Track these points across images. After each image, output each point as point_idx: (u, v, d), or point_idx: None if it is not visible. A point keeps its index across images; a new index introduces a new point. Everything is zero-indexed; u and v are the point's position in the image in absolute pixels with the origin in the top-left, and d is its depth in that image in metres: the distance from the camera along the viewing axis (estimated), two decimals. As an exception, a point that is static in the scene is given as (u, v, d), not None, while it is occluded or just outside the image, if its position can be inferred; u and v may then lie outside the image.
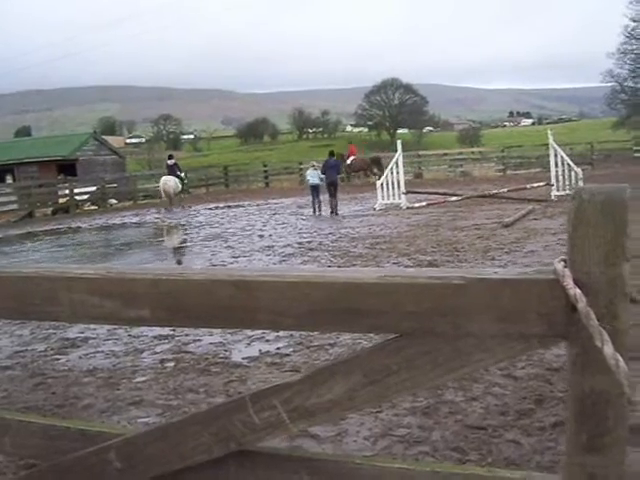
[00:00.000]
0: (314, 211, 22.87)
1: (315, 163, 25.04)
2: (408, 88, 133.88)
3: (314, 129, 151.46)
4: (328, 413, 1.73)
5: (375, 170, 35.82)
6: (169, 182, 29.08)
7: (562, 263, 1.49)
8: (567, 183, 21.45)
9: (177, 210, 28.71)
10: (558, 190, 21.17)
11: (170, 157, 32.58)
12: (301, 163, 43.26)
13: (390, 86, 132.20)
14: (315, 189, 23.26)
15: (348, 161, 36.85)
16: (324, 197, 23.15)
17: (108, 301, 1.85)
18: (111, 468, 2.01)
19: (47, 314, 2.01)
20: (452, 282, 1.54)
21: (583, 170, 22.29)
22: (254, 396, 1.79)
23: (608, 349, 1.37)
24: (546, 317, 1.49)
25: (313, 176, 23.59)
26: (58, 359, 7.34)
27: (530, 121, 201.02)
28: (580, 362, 1.49)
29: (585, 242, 1.47)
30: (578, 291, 1.43)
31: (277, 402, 1.74)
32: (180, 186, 30.01)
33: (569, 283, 1.44)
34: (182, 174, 31.05)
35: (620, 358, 1.37)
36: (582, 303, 1.41)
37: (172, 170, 30.25)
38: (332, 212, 22.30)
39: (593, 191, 1.48)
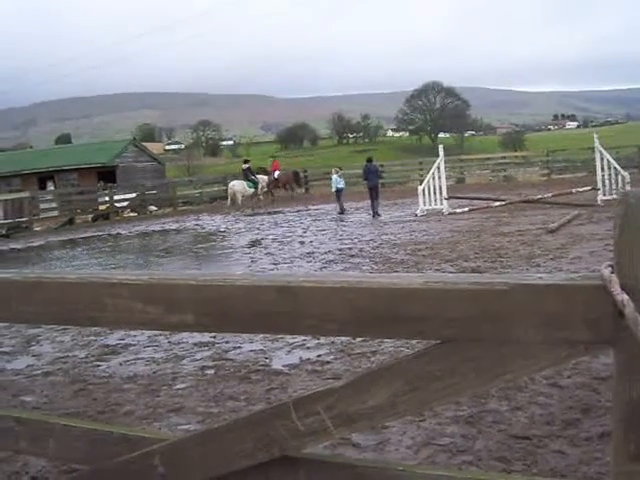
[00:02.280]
0: (341, 211, 25.60)
1: (337, 169, 28.11)
2: (450, 91, 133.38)
3: (354, 134, 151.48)
4: (371, 419, 1.72)
5: (294, 185, 37.32)
6: (235, 186, 30.65)
7: (609, 269, 1.47)
8: (614, 187, 21.13)
9: (244, 212, 29.59)
10: (604, 194, 20.85)
11: (245, 162, 33.81)
12: (341, 168, 43.22)
13: (431, 90, 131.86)
14: (339, 192, 26.20)
15: (275, 175, 36.41)
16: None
17: (151, 307, 1.86)
18: (155, 473, 2.02)
19: (90, 320, 2.03)
20: (495, 287, 1.53)
21: (630, 174, 21.90)
22: (297, 402, 1.79)
23: (657, 356, 1.35)
24: (592, 323, 1.47)
25: (338, 182, 26.49)
26: (99, 365, 7.41)
27: (575, 124, 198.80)
28: (627, 369, 1.46)
29: (632, 247, 1.45)
30: (625, 297, 1.41)
31: (320, 408, 1.73)
32: (249, 189, 31.01)
33: (616, 289, 1.42)
34: (254, 177, 32.00)
35: (670, 365, 1.34)
36: (630, 309, 1.39)
37: (245, 174, 31.71)
38: (374, 215, 23.23)
39: (640, 195, 1.46)
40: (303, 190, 39.67)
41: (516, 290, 1.51)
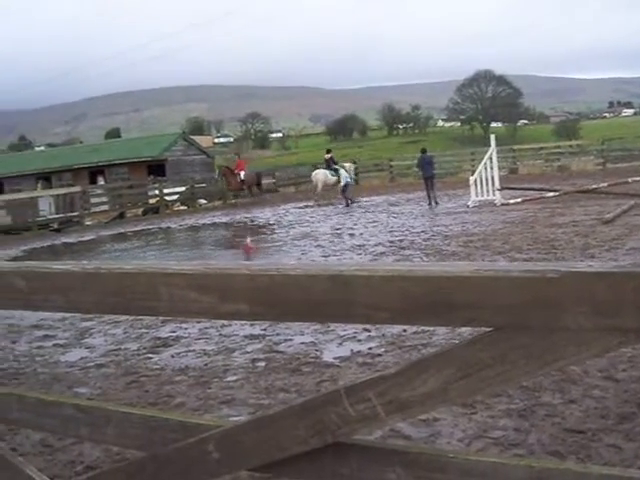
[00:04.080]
0: (347, 204, 27.02)
1: (343, 163, 30.00)
2: (501, 80, 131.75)
3: (404, 125, 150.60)
4: (422, 406, 1.74)
5: (255, 188, 36.06)
6: (317, 174, 31.77)
7: (660, 256, 1.47)
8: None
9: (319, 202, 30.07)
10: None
11: (328, 151, 34.08)
12: (391, 160, 42.99)
13: (483, 78, 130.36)
14: (346, 187, 27.68)
15: (242, 176, 34.83)
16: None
17: (206, 296, 1.90)
18: (210, 458, 2.06)
19: (147, 309, 2.08)
20: (546, 275, 1.53)
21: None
22: (349, 389, 1.82)
23: None
24: (643, 310, 1.47)
25: (346, 177, 28.14)
26: (150, 358, 7.55)
27: (632, 111, 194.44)
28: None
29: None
30: (677, 283, 1.41)
31: (372, 395, 1.75)
32: (331, 178, 31.40)
33: (667, 276, 1.42)
34: (337, 167, 32.07)
35: None
36: (680, 296, 1.39)
37: (327, 164, 32.32)
38: (430, 204, 23.99)
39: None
40: (267, 195, 37.89)
41: (566, 277, 1.52)
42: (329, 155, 32.96)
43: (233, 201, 35.27)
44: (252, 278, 1.84)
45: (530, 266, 1.60)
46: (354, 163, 29.29)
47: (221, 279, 1.90)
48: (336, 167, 31.80)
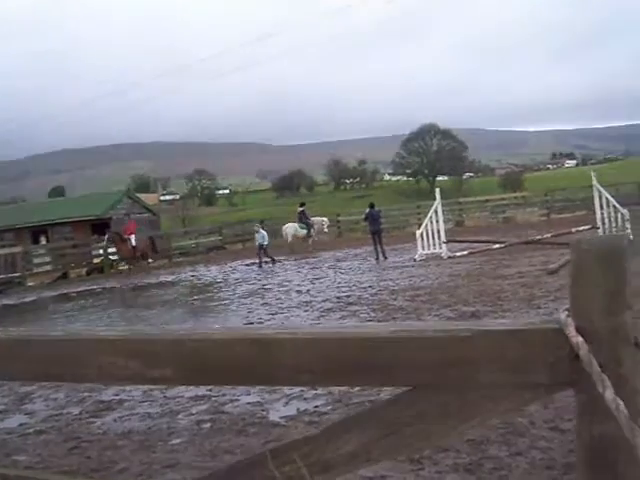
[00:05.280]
0: (259, 265, 26.89)
1: (258, 225, 30.32)
2: (446, 133, 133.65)
3: (351, 179, 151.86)
4: (346, 466, 1.76)
5: (149, 253, 33.38)
6: (288, 228, 32.61)
7: (566, 312, 1.53)
8: (614, 225, 21.18)
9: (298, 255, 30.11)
10: (605, 233, 20.82)
11: (301, 205, 34.57)
12: (339, 215, 43.21)
13: (428, 132, 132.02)
14: (260, 247, 27.67)
15: (132, 241, 31.45)
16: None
17: (132, 362, 1.91)
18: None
19: (75, 376, 2.08)
20: (459, 335, 1.58)
21: (630, 211, 21.92)
22: (274, 451, 1.83)
23: (609, 394, 1.40)
24: (552, 366, 1.53)
25: (258, 238, 28.20)
26: (93, 422, 7.39)
27: (574, 162, 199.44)
28: (587, 409, 1.52)
29: (586, 292, 1.51)
30: (580, 339, 1.46)
31: (297, 456, 1.77)
32: (301, 231, 32.30)
33: (571, 332, 1.48)
34: (308, 221, 32.85)
35: (621, 403, 1.39)
36: (584, 350, 1.45)
37: (299, 217, 32.90)
38: (377, 258, 24.09)
39: (592, 242, 1.53)
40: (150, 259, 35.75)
41: (479, 336, 1.57)
42: (302, 208, 33.42)
43: (126, 267, 32.58)
44: (176, 343, 1.86)
45: (444, 326, 1.65)
46: (261, 224, 29.80)
47: (147, 344, 1.92)
48: (307, 221, 32.56)
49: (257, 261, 27.51)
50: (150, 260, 35.16)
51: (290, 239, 32.16)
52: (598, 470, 1.52)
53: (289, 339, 1.74)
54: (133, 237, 31.51)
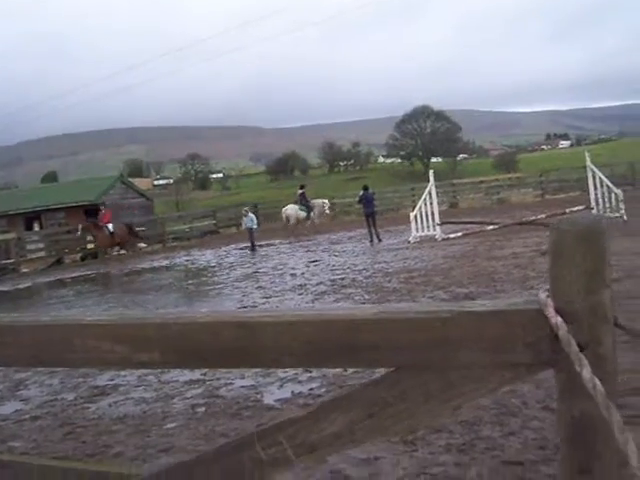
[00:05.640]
0: (252, 249, 26.79)
1: (246, 209, 30.47)
2: (440, 115, 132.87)
3: (345, 162, 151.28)
4: (331, 447, 1.78)
5: (132, 240, 32.95)
6: (288, 210, 32.72)
7: (546, 293, 1.55)
8: (607, 205, 21.21)
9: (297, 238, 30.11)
10: (599, 213, 20.85)
11: (301, 187, 34.67)
12: (333, 197, 43.15)
13: (421, 114, 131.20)
14: (250, 231, 27.66)
15: (110, 228, 30.65)
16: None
17: (119, 346, 1.92)
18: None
19: (63, 361, 2.10)
20: (441, 315, 1.60)
21: (624, 191, 21.94)
22: (261, 433, 1.85)
23: (586, 373, 1.42)
24: (532, 346, 1.54)
25: (246, 222, 28.35)
26: (88, 407, 7.40)
27: (568, 143, 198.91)
28: (567, 388, 1.54)
29: (565, 272, 1.52)
30: (559, 319, 1.48)
31: (283, 438, 1.79)
32: (301, 214, 32.44)
33: (550, 312, 1.50)
34: (308, 203, 33.02)
35: (598, 382, 1.41)
36: (562, 331, 1.47)
37: (299, 199, 33.05)
38: (372, 241, 24.11)
39: (571, 222, 1.54)
40: (143, 244, 36.24)
41: (460, 317, 1.58)
42: (301, 191, 33.56)
43: (121, 252, 32.18)
44: (163, 327, 1.87)
45: (426, 307, 1.66)
46: (247, 210, 29.82)
47: (133, 329, 1.93)
48: (307, 203, 32.69)
49: (249, 244, 27.42)
50: (142, 245, 35.06)
51: (293, 221, 32.38)
52: (579, 447, 1.54)
53: (272, 322, 1.76)
54: (110, 225, 30.80)
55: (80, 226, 31.17)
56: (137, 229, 34.15)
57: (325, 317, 1.73)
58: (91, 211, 42.52)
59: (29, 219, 45.04)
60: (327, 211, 34.28)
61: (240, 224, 40.13)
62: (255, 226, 28.25)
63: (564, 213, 21.53)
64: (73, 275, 25.89)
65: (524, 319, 1.55)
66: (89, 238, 32.26)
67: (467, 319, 1.58)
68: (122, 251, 32.08)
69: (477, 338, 1.57)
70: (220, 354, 1.82)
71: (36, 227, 43.83)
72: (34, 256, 32.72)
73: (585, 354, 1.46)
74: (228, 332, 1.79)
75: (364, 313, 1.69)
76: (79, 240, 33.26)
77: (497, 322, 1.56)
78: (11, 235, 33.69)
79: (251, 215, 28.66)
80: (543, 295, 1.54)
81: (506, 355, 1.56)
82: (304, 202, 32.97)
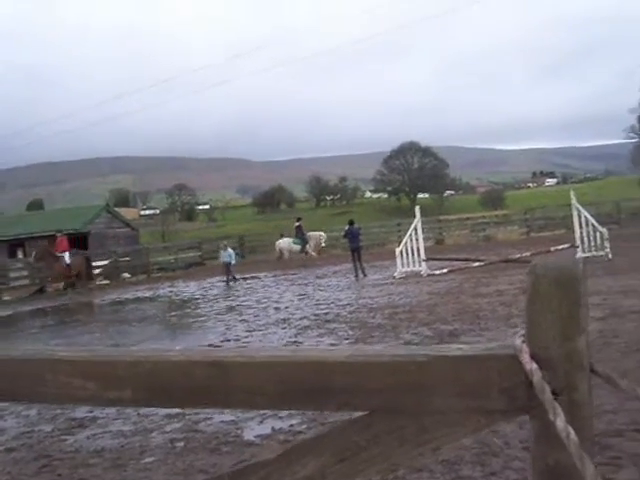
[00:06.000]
0: (227, 282, 27.13)
1: (225, 243, 30.76)
2: (427, 151, 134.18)
3: (332, 196, 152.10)
4: (302, 491, 1.74)
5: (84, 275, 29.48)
6: (281, 244, 34.17)
7: (521, 338, 1.53)
8: (593, 244, 21.32)
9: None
10: (584, 252, 20.98)
11: (298, 219, 35.18)
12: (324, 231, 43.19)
13: (409, 150, 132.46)
14: (227, 266, 27.78)
15: (67, 259, 28.15)
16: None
17: (91, 382, 1.88)
18: None
19: (35, 395, 2.05)
20: (416, 359, 1.58)
21: (609, 230, 22.08)
22: (233, 474, 1.81)
23: (560, 422, 1.40)
24: (507, 392, 1.52)
25: (224, 256, 28.38)
26: (65, 440, 7.33)
27: (554, 181, 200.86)
28: (542, 436, 1.51)
29: (541, 317, 1.51)
30: (534, 366, 1.46)
31: (254, 480, 1.75)
32: (295, 247, 33.09)
33: (525, 358, 1.48)
34: (303, 236, 33.40)
35: (572, 431, 1.38)
36: (537, 377, 1.45)
37: (296, 232, 33.60)
38: (357, 276, 24.03)
39: (547, 266, 1.53)
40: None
41: (436, 361, 1.56)
42: (298, 223, 33.98)
43: (62, 288, 30.18)
44: (135, 364, 1.84)
45: (401, 350, 1.64)
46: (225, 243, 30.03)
47: (105, 366, 1.89)
48: (302, 236, 33.08)
49: (225, 279, 27.69)
50: (127, 275, 34.67)
51: (286, 254, 33.01)
52: (553, 498, 1.51)
53: (245, 362, 1.73)
54: (67, 254, 28.54)
55: (34, 252, 29.59)
56: (93, 264, 31.94)
57: (297, 358, 1.71)
58: (76, 240, 42.37)
59: (13, 246, 44.81)
60: (323, 243, 34.33)
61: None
62: (233, 261, 28.23)
63: (549, 251, 21.66)
64: (55, 304, 25.74)
65: (500, 365, 1.53)
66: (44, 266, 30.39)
67: (443, 364, 1.56)
68: (84, 281, 29.99)
69: (453, 383, 1.55)
70: (191, 393, 1.79)
71: (20, 255, 43.56)
72: (17, 284, 32.48)
73: (560, 400, 1.44)
74: (200, 371, 1.76)
75: (337, 355, 1.67)
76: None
77: (473, 367, 1.54)
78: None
79: (230, 250, 28.74)
80: (519, 341, 1.52)
81: (481, 401, 1.54)
82: (300, 235, 33.27)
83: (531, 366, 1.46)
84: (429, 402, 1.57)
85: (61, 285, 32.47)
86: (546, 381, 1.45)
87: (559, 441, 1.44)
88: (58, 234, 30.28)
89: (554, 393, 1.45)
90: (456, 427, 1.59)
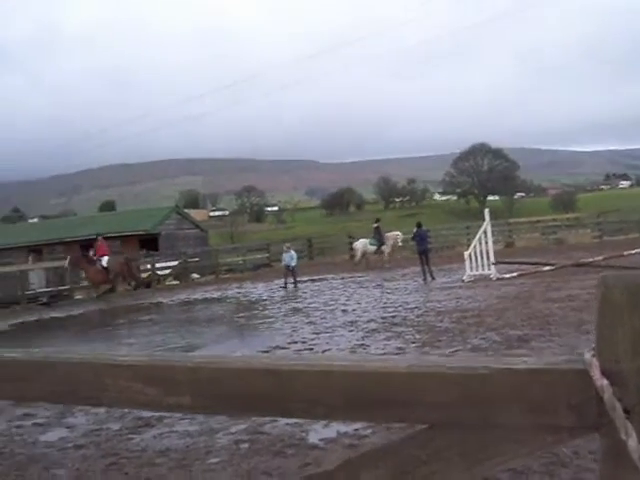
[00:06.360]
0: (285, 286, 26.34)
1: (288, 245, 29.23)
2: (497, 153, 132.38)
3: (401, 198, 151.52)
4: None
5: (127, 276, 30.52)
6: (357, 244, 34.04)
7: (591, 352, 1.46)
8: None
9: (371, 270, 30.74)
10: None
11: (376, 221, 35.37)
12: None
13: (479, 151, 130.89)
14: (288, 268, 27.06)
15: (104, 262, 28.38)
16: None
17: (151, 388, 1.88)
18: None
19: (95, 399, 2.07)
20: (478, 372, 1.52)
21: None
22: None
23: (632, 442, 1.33)
24: (576, 409, 1.45)
25: (286, 258, 27.36)
26: (132, 438, 7.42)
27: (628, 183, 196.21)
28: (612, 454, 1.44)
29: (612, 330, 1.44)
30: (605, 382, 1.39)
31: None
32: (370, 247, 33.06)
33: (596, 373, 1.41)
34: (380, 237, 33.31)
35: (644, 453, 1.31)
36: (608, 394, 1.38)
37: (374, 233, 33.61)
38: (425, 279, 23.90)
39: (619, 277, 1.45)
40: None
41: (499, 374, 1.51)
42: (376, 224, 34.10)
43: (95, 295, 29.81)
44: (194, 370, 1.83)
45: (463, 362, 1.59)
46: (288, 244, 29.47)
47: (165, 371, 1.89)
48: (379, 237, 33.06)
49: (283, 282, 26.84)
50: (196, 275, 35.02)
51: (359, 255, 33.07)
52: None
53: (304, 371, 1.70)
54: (105, 258, 28.83)
55: (68, 259, 29.83)
56: (134, 264, 32.28)
57: (358, 368, 1.66)
58: (146, 240, 43.18)
59: (85, 246, 45.71)
60: (400, 243, 34.15)
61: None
62: (294, 264, 27.22)
63: (622, 256, 21.07)
64: (125, 304, 26.17)
65: (567, 380, 1.46)
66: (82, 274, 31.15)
67: (506, 377, 1.50)
68: (126, 283, 30.72)
69: (517, 398, 1.49)
70: (250, 401, 1.77)
71: (91, 254, 44.43)
72: (86, 283, 33.19)
73: (631, 418, 1.37)
74: (259, 379, 1.74)
75: (398, 366, 1.62)
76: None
77: (539, 382, 1.48)
78: (66, 261, 34.20)
79: (292, 252, 27.65)
80: (588, 355, 1.45)
81: (548, 417, 1.47)
82: (377, 236, 33.23)
83: (602, 382, 1.39)
84: (492, 417, 1.52)
85: (131, 285, 32.89)
86: (617, 398, 1.38)
87: (630, 462, 1.37)
88: (98, 238, 30.63)
89: (626, 411, 1.38)
90: (520, 444, 1.53)
